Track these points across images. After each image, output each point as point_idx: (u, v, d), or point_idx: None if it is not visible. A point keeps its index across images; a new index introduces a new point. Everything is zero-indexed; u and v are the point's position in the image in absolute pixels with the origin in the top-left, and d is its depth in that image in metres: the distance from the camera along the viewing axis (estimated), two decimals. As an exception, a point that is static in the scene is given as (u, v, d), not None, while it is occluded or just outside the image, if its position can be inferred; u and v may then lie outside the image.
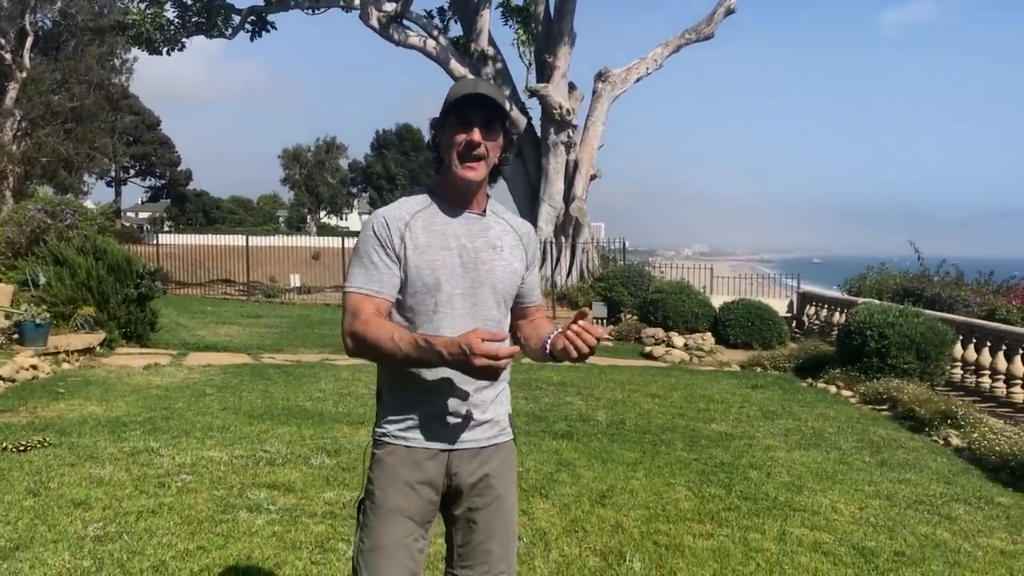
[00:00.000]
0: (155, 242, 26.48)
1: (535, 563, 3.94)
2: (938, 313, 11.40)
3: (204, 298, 21.39)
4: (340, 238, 25.52)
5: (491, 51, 19.92)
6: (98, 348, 9.98)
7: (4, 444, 5.47)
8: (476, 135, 2.04)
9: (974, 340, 10.51)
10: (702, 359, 13.26)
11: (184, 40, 21.21)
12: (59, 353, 9.15)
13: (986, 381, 10.15)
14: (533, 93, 19.36)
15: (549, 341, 2.09)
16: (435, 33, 20.31)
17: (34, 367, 8.38)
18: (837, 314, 14.75)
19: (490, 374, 1.88)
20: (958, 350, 10.62)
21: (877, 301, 12.31)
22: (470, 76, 18.97)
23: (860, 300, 13.22)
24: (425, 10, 21.33)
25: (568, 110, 19.03)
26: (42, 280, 10.49)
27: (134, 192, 70.13)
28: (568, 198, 19.55)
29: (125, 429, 6.17)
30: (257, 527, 4.19)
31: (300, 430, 6.41)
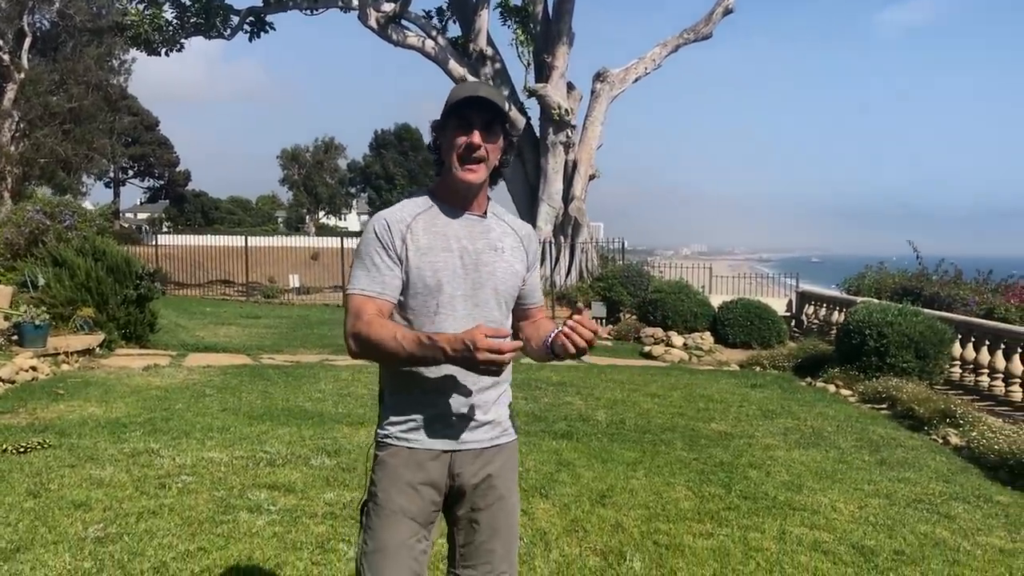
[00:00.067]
0: (154, 243, 26.48)
1: (535, 563, 3.95)
2: (937, 312, 11.41)
3: (203, 299, 21.39)
4: (339, 238, 25.51)
5: (490, 51, 19.93)
6: (97, 349, 9.98)
7: (4, 446, 5.46)
8: (476, 137, 2.06)
9: (973, 339, 10.53)
10: (701, 358, 13.27)
11: (182, 41, 21.22)
12: (58, 354, 9.15)
13: (985, 380, 10.16)
14: (532, 93, 19.37)
15: (550, 339, 2.10)
16: (434, 33, 20.32)
17: (33, 368, 8.38)
18: (836, 313, 14.77)
19: (494, 369, 1.89)
20: (957, 349, 10.64)
21: (876, 300, 12.32)
22: (469, 76, 18.99)
23: (859, 299, 13.23)
24: (424, 10, 21.31)
25: (567, 110, 19.04)
26: (41, 281, 10.49)
27: (132, 193, 70.18)
28: (567, 198, 19.56)
29: (125, 430, 6.17)
30: (258, 528, 4.20)
31: (300, 431, 6.42)
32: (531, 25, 20.16)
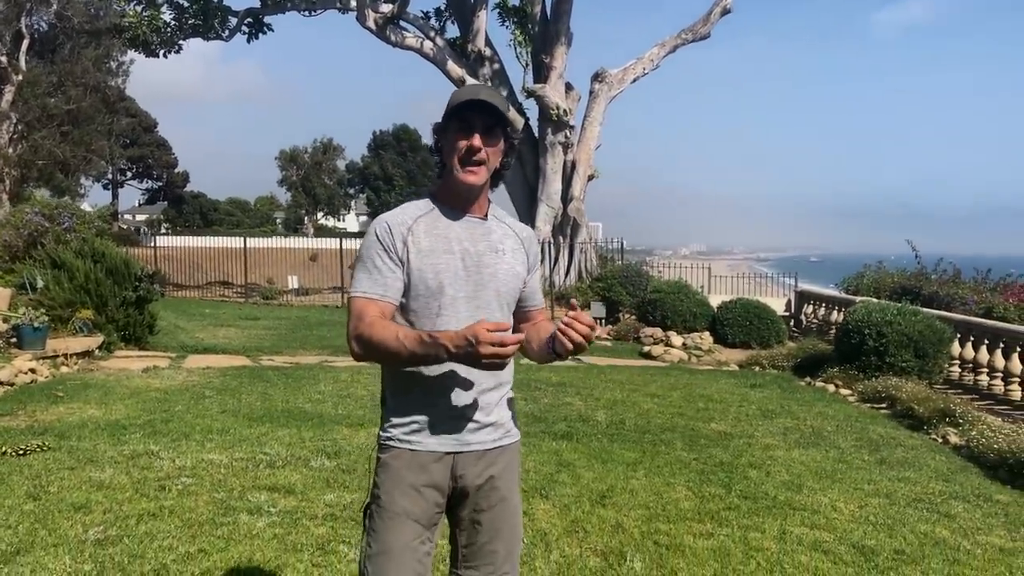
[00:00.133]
0: (152, 244, 26.50)
1: (536, 564, 3.95)
2: (936, 311, 11.42)
3: (202, 300, 21.38)
4: (337, 239, 25.49)
5: (488, 52, 19.94)
6: (97, 351, 9.98)
7: (3, 448, 5.46)
8: (477, 140, 2.07)
9: (972, 338, 10.54)
10: (700, 358, 13.27)
11: (181, 42, 21.21)
12: (58, 356, 9.15)
13: (984, 379, 10.17)
14: (530, 94, 19.38)
15: (551, 338, 2.10)
16: (432, 34, 20.32)
17: (33, 371, 8.38)
18: (835, 313, 14.78)
19: (497, 363, 1.89)
20: (956, 348, 10.65)
21: (875, 300, 12.33)
22: (467, 77, 19.00)
23: (858, 299, 13.24)
24: (422, 11, 21.38)
25: (565, 110, 19.05)
26: (40, 283, 10.48)
27: (131, 194, 70.17)
28: (566, 198, 19.56)
29: (125, 432, 6.17)
30: (258, 530, 4.20)
31: (300, 432, 6.41)
32: (529, 26, 20.17)
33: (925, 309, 11.21)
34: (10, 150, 28.60)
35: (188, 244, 26.91)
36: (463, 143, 2.07)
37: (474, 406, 2.13)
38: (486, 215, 2.21)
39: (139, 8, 20.59)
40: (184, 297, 21.80)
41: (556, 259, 19.49)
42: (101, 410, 7.00)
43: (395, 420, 2.15)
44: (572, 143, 19.52)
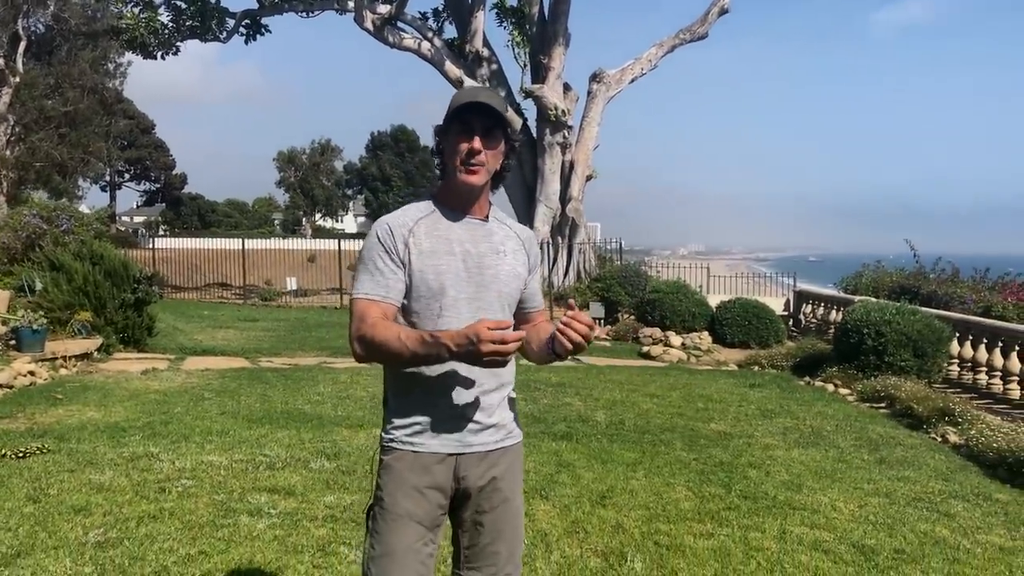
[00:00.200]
0: (150, 246, 26.47)
1: (536, 564, 3.95)
2: (934, 310, 11.43)
3: (200, 302, 21.37)
4: (336, 240, 25.48)
5: (486, 52, 19.93)
6: (95, 353, 9.97)
7: (3, 451, 5.46)
8: (477, 142, 2.08)
9: (970, 337, 10.55)
10: (700, 358, 13.28)
11: (178, 44, 21.19)
12: (56, 359, 9.14)
13: (983, 378, 10.18)
14: (528, 94, 19.38)
15: (551, 339, 2.11)
16: (430, 35, 20.32)
17: (32, 373, 8.38)
18: (834, 312, 14.78)
19: (499, 361, 1.89)
20: (955, 347, 10.65)
21: (874, 299, 12.33)
22: (465, 78, 19.01)
23: (857, 298, 13.24)
24: (419, 12, 21.36)
25: (563, 111, 19.05)
26: (39, 286, 10.48)
27: (129, 196, 70.20)
28: (564, 199, 19.56)
29: (124, 434, 6.17)
30: (258, 531, 4.20)
31: (299, 434, 6.41)
32: (527, 26, 20.17)
33: (924, 308, 11.22)
34: (7, 152, 28.59)
35: (186, 246, 26.90)
36: (463, 145, 2.08)
37: (476, 407, 2.13)
38: (487, 217, 2.22)
39: (136, 10, 20.58)
40: (182, 299, 21.78)
41: (555, 260, 19.49)
42: (100, 412, 7.00)
43: (397, 421, 2.15)
44: (570, 143, 19.52)
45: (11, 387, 7.86)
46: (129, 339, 10.90)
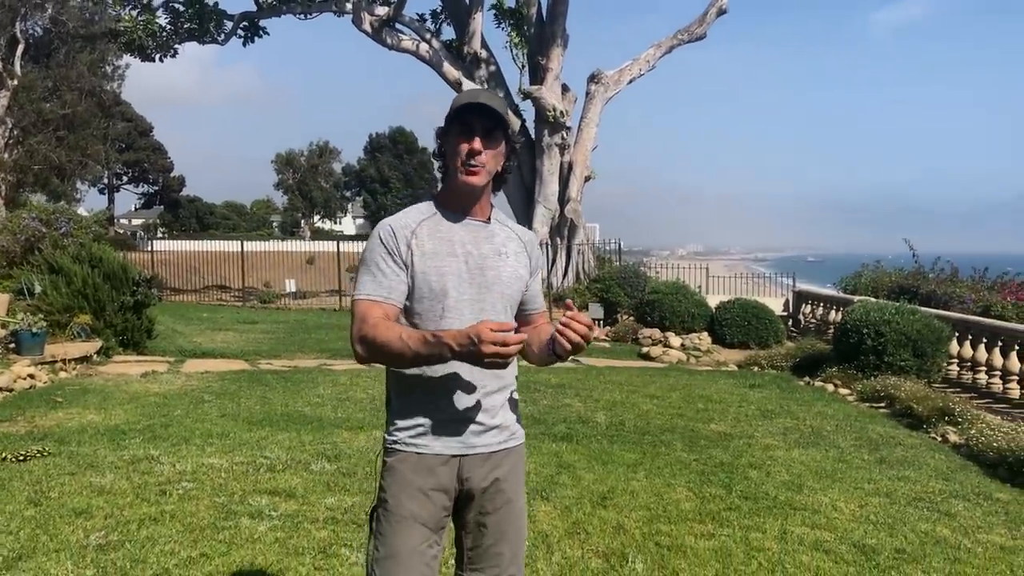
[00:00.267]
0: (149, 249, 26.47)
1: (538, 565, 3.95)
2: (934, 310, 11.44)
3: (199, 304, 21.36)
4: (334, 242, 25.48)
5: (484, 54, 19.94)
6: (95, 356, 9.96)
7: (3, 454, 5.46)
8: (477, 143, 2.08)
9: (970, 336, 10.55)
10: (699, 359, 13.28)
11: (176, 46, 21.22)
12: (56, 362, 9.13)
13: (982, 377, 10.18)
14: (527, 95, 19.39)
15: (551, 340, 2.11)
16: (428, 36, 20.33)
17: (31, 376, 8.37)
18: (833, 312, 14.79)
19: (500, 362, 1.89)
20: (954, 347, 10.66)
21: (873, 299, 12.34)
22: (464, 79, 19.02)
23: (856, 298, 13.25)
24: (417, 14, 21.33)
25: (562, 112, 19.06)
26: (38, 289, 10.47)
27: (127, 199, 70.15)
28: (563, 200, 19.57)
29: (124, 437, 6.17)
30: (259, 534, 4.20)
31: (299, 436, 6.41)
32: (525, 27, 20.18)
33: (923, 308, 11.22)
34: (6, 155, 28.55)
35: (185, 248, 26.91)
36: (464, 145, 2.09)
37: (478, 408, 2.13)
38: (489, 219, 2.23)
39: (135, 13, 20.59)
40: (181, 301, 21.78)
41: (553, 261, 19.50)
42: (100, 415, 6.99)
43: (400, 423, 2.15)
44: (568, 144, 19.53)
45: (11, 390, 7.85)
46: (128, 342, 10.89)
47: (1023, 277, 14.92)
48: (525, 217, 19.17)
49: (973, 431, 6.96)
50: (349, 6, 19.97)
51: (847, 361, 10.42)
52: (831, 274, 22.27)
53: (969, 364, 10.48)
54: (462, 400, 2.11)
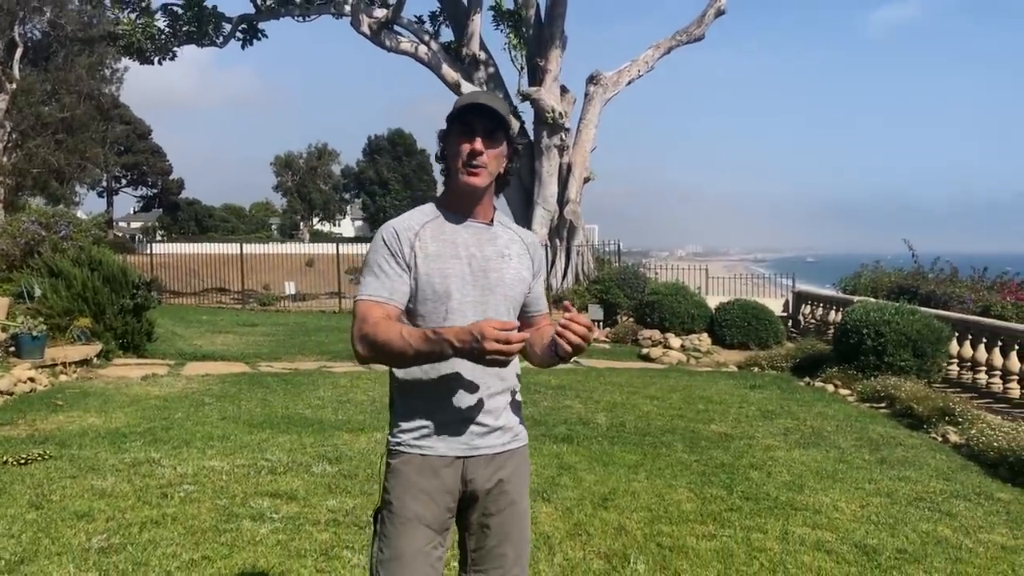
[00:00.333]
0: (148, 252, 26.45)
1: (539, 567, 3.95)
2: (933, 310, 11.44)
3: (199, 307, 21.37)
4: (334, 244, 25.48)
5: (483, 55, 19.94)
6: (95, 359, 9.96)
7: (4, 457, 5.46)
8: (478, 144, 2.09)
9: (970, 336, 10.56)
10: (699, 360, 13.28)
11: (175, 49, 21.18)
12: (56, 365, 9.13)
13: (983, 377, 10.18)
14: (525, 97, 19.38)
15: (553, 341, 2.11)
16: (426, 38, 20.32)
17: (32, 380, 8.37)
18: (833, 313, 14.79)
19: (501, 360, 1.89)
20: (954, 347, 10.67)
21: (872, 299, 12.35)
22: (463, 81, 19.02)
23: (856, 298, 13.26)
24: (416, 16, 21.40)
25: (560, 113, 19.06)
26: (38, 292, 10.47)
27: (126, 202, 70.20)
28: (562, 201, 19.56)
29: (125, 440, 6.17)
30: (261, 536, 4.20)
31: (300, 438, 6.42)
32: (524, 29, 20.18)
33: (923, 308, 11.23)
34: (5, 159, 28.55)
35: (184, 251, 26.90)
36: (465, 146, 2.10)
37: (481, 409, 2.13)
38: (491, 221, 2.23)
39: (133, 16, 20.58)
40: (181, 304, 21.78)
41: (553, 262, 19.49)
42: (101, 418, 7.00)
43: (404, 424, 2.15)
44: (567, 146, 19.53)
45: (11, 394, 7.85)
46: (128, 345, 10.90)
47: (1023, 277, 14.92)
48: (524, 218, 19.16)
49: (974, 431, 6.97)
50: (347, 8, 19.96)
51: (847, 361, 10.43)
52: (830, 274, 22.27)
53: (969, 364, 10.49)
54: (465, 401, 2.11)
